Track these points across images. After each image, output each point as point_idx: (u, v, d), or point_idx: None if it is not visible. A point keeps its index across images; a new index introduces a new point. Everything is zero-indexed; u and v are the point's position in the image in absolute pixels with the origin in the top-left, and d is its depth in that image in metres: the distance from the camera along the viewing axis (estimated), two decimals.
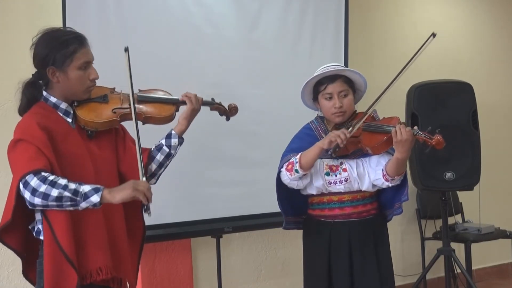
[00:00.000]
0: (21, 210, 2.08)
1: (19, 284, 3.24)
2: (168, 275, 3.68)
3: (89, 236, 2.14)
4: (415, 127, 2.51)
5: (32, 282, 2.26)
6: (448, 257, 4.05)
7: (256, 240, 4.14)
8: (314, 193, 2.69)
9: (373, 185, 2.65)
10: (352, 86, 2.68)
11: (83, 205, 2.01)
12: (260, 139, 3.73)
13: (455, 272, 4.33)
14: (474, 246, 4.47)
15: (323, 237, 2.69)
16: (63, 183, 1.99)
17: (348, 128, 2.52)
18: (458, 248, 4.33)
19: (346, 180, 2.63)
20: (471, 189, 4.06)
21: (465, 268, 4.18)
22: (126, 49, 2.27)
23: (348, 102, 2.65)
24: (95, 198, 2.00)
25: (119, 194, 2.03)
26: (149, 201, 2.07)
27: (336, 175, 2.64)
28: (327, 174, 2.64)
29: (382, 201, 2.78)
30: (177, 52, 3.45)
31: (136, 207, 2.36)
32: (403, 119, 3.95)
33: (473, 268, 4.54)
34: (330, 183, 2.64)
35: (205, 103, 2.47)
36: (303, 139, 2.73)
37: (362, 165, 2.65)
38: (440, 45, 5.06)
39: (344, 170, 2.63)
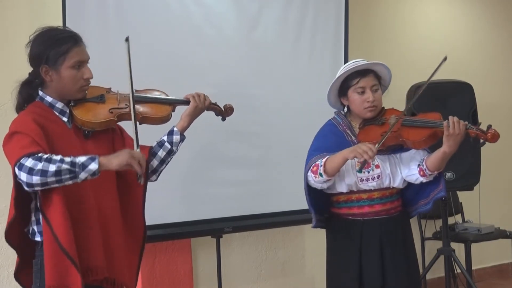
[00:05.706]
0: (20, 205, 2.08)
1: (19, 284, 3.23)
2: (168, 275, 3.67)
3: (83, 235, 2.12)
4: (466, 122, 2.49)
5: (22, 284, 2.27)
6: (448, 257, 4.05)
7: (256, 240, 4.14)
8: (345, 191, 2.63)
9: (404, 181, 2.64)
10: (380, 82, 2.69)
11: (83, 175, 2.00)
12: (260, 139, 3.72)
13: (455, 272, 4.33)
14: (474, 246, 4.47)
15: (354, 236, 2.64)
16: (59, 158, 1.99)
17: (380, 139, 2.46)
18: (458, 248, 4.32)
19: (378, 176, 2.60)
20: (471, 189, 4.06)
21: (465, 268, 4.17)
22: (127, 39, 2.26)
23: (379, 97, 2.66)
24: (93, 166, 2.00)
25: (116, 160, 2.04)
26: (142, 170, 2.08)
27: (368, 172, 2.60)
28: (359, 171, 2.59)
29: (407, 198, 2.76)
30: (177, 52, 3.44)
31: (135, 206, 2.35)
32: None
33: (473, 268, 4.54)
34: (362, 180, 2.60)
35: (210, 107, 2.47)
36: (327, 137, 2.69)
37: (394, 161, 2.63)
38: (440, 45, 5.07)
39: (377, 166, 2.60)
